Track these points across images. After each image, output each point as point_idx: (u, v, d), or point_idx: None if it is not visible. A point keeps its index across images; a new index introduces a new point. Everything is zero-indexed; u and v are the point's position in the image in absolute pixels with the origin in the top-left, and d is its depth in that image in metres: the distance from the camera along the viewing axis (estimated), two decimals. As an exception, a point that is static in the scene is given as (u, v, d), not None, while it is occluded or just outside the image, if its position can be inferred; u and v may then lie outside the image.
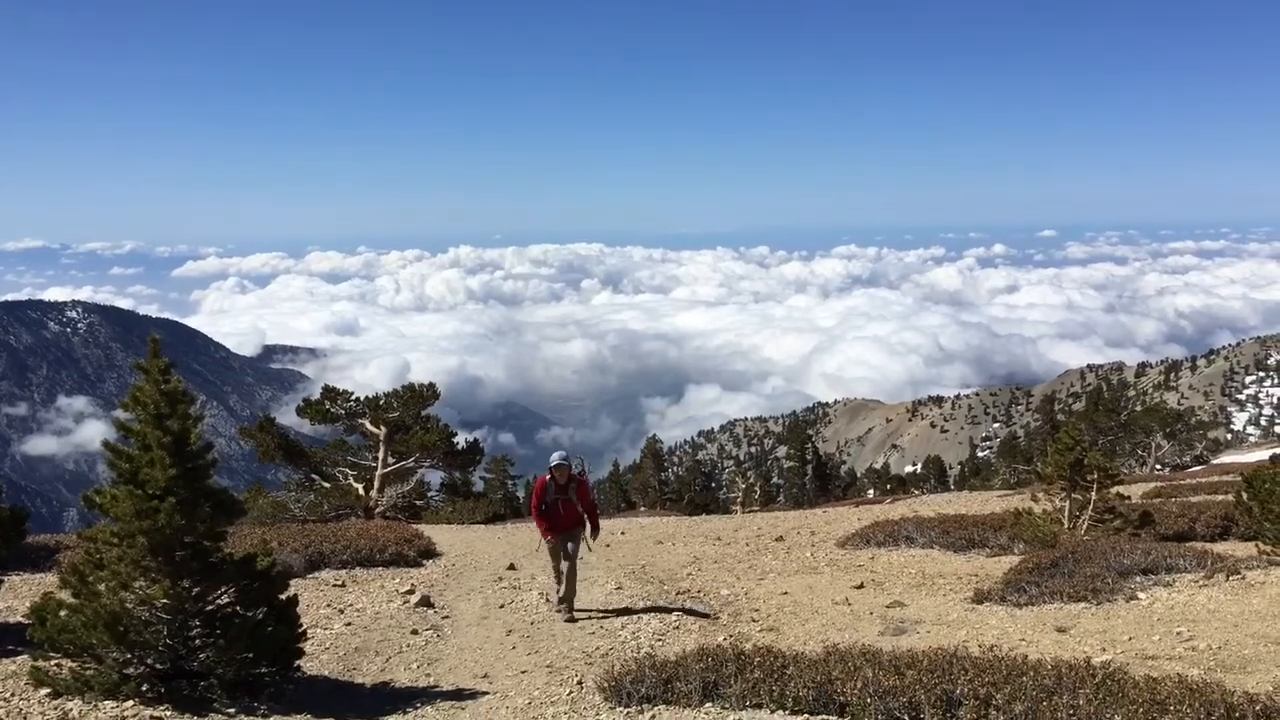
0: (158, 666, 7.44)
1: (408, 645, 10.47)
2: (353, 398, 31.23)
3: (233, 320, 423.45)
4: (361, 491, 29.45)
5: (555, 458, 11.40)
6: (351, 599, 12.85)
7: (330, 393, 31.43)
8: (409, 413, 30.92)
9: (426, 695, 8.39)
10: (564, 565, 11.50)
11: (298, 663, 8.34)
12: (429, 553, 16.94)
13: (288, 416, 39.05)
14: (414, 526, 21.15)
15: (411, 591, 13.25)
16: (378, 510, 28.37)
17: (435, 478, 35.80)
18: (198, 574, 7.57)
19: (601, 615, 11.69)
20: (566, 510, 11.45)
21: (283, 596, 8.13)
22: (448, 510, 32.00)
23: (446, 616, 12.04)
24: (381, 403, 30.94)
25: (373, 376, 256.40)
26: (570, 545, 11.52)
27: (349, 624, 11.32)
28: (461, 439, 32.61)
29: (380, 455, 30.40)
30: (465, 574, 15.29)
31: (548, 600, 12.18)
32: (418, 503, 31.36)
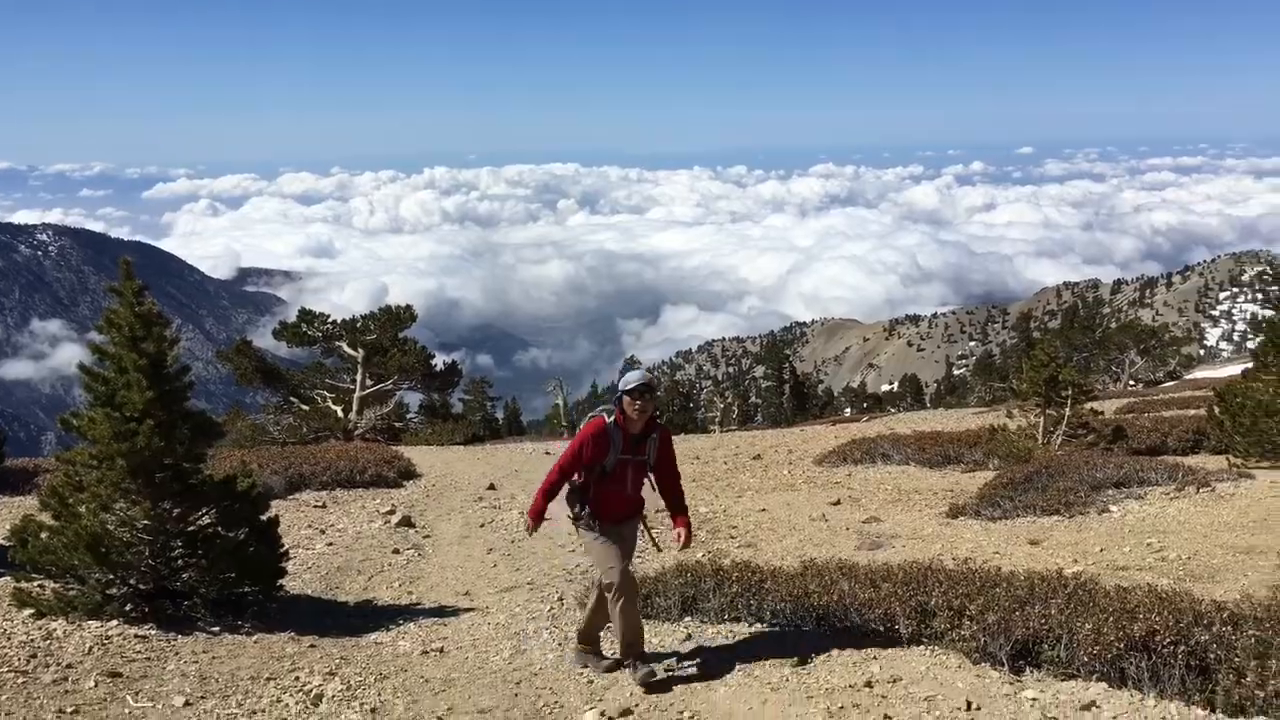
0: (141, 587, 7.47)
1: (389, 564, 10.57)
2: (329, 320, 31.11)
3: (205, 243, 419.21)
4: (340, 414, 29.46)
5: (633, 378, 6.16)
6: (333, 519, 12.93)
7: (306, 315, 31.28)
8: (386, 335, 30.83)
9: (409, 612, 8.48)
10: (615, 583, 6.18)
11: (280, 582, 8.41)
12: (409, 474, 17.02)
13: (264, 339, 38.89)
14: (393, 448, 21.23)
15: (392, 512, 13.33)
16: (357, 432, 28.43)
17: (414, 399, 35.87)
18: (178, 495, 7.58)
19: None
20: (635, 482, 6.33)
21: (264, 517, 8.17)
22: (427, 432, 32.10)
23: (427, 536, 12.14)
24: (359, 325, 30.84)
25: (349, 299, 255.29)
26: (626, 544, 6.40)
27: (331, 544, 11.40)
28: (439, 361, 32.61)
29: (358, 377, 30.37)
30: (445, 494, 15.39)
31: (574, 647, 6.84)
32: (396, 424, 31.43)
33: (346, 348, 30.82)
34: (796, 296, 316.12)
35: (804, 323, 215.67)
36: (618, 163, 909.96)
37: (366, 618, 8.33)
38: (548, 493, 6.33)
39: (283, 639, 7.39)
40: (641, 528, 6.58)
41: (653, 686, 6.09)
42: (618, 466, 6.20)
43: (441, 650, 7.26)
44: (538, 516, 6.38)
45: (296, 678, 6.53)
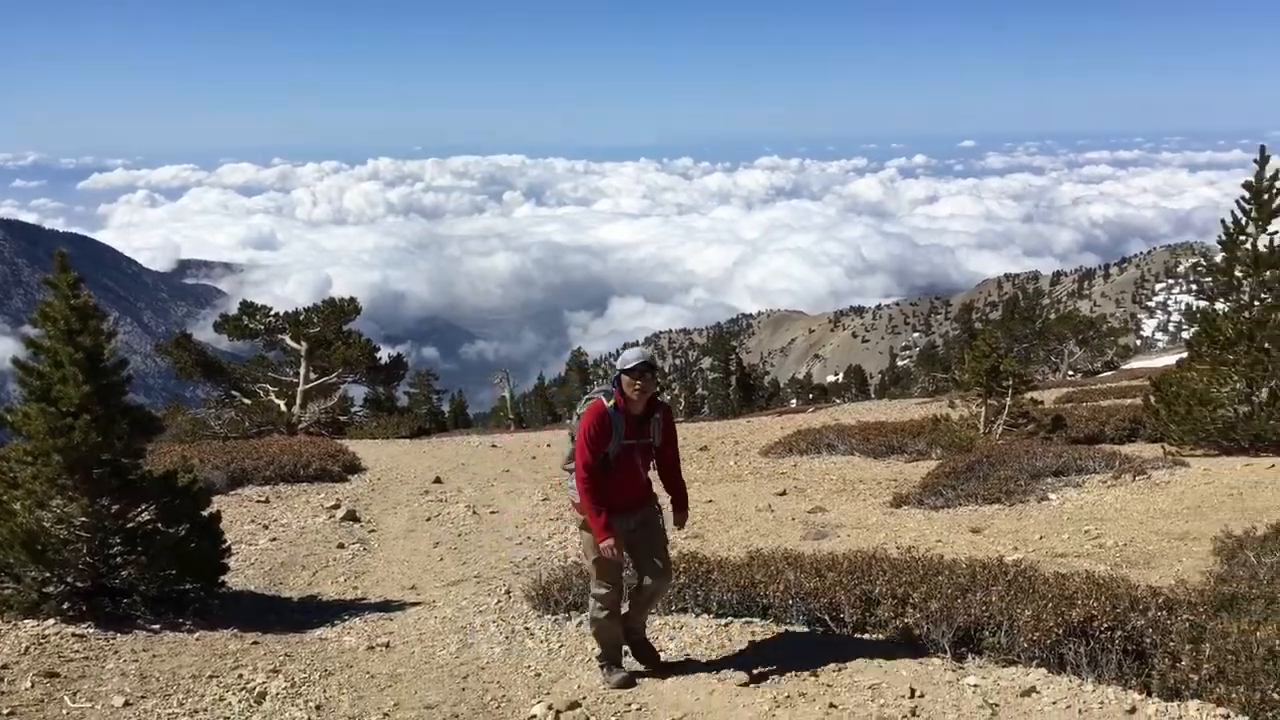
0: (78, 585, 7.35)
1: (334, 559, 10.47)
2: (272, 313, 30.76)
3: (144, 235, 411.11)
4: (283, 407, 29.14)
5: (632, 355, 5.71)
6: (276, 514, 12.79)
7: (248, 308, 30.91)
8: (330, 328, 30.54)
9: (354, 607, 8.42)
10: (646, 582, 5.97)
11: (223, 578, 8.30)
12: (354, 467, 16.88)
13: (205, 333, 38.35)
14: (338, 442, 21.03)
15: (337, 506, 13.21)
16: (300, 426, 28.12)
17: (359, 393, 35.60)
18: (116, 491, 7.46)
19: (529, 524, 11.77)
20: (642, 466, 5.97)
21: (205, 513, 8.07)
22: (372, 425, 31.84)
23: (373, 530, 12.04)
24: (302, 318, 30.53)
25: (292, 291, 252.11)
26: (644, 536, 5.96)
27: (274, 539, 11.28)
28: (384, 354, 32.41)
29: (302, 371, 30.06)
30: (391, 488, 15.27)
31: (602, 662, 6.18)
32: (341, 418, 31.15)
33: (289, 341, 30.50)
34: (743, 288, 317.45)
35: (750, 314, 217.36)
36: (564, 154, 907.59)
37: (311, 613, 8.26)
38: (595, 498, 5.68)
39: (225, 636, 7.30)
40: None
41: (622, 685, 5.98)
42: (622, 452, 5.78)
43: (387, 645, 7.21)
44: (607, 529, 5.67)
45: (239, 675, 6.46)
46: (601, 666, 6.15)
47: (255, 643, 7.18)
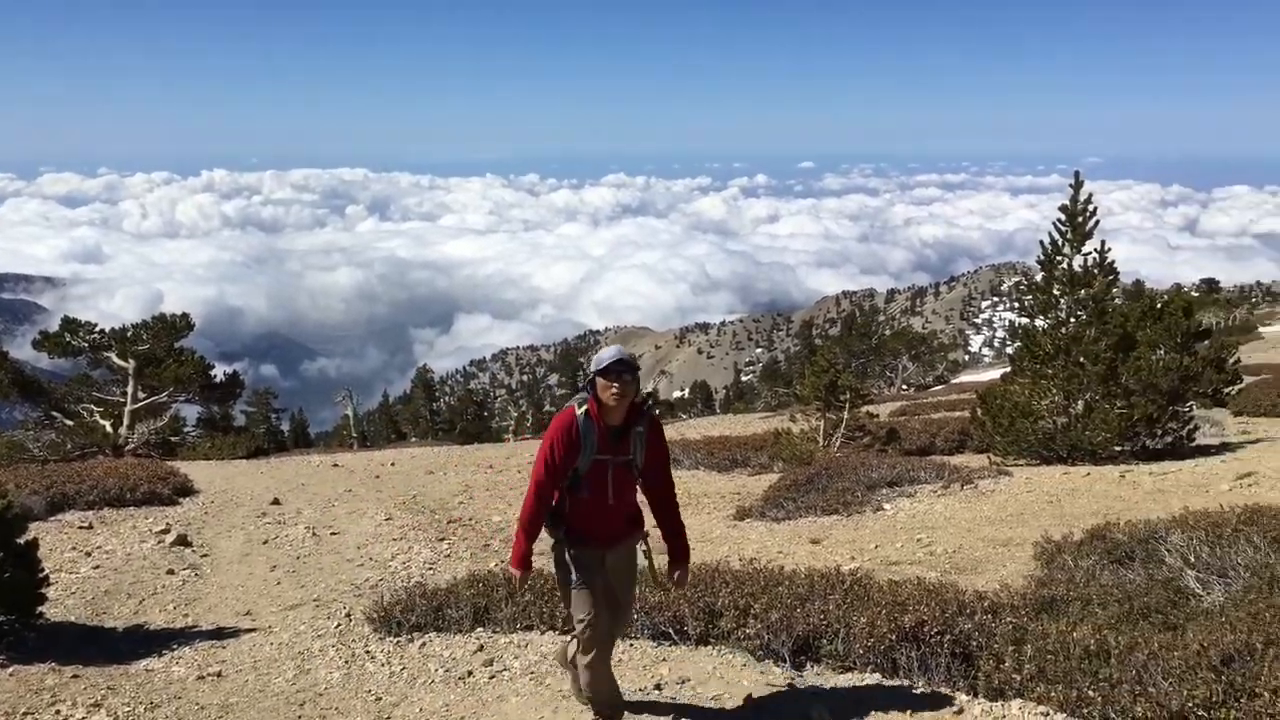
0: (-124, 621, 6.86)
1: (163, 586, 10.02)
2: (97, 329, 29.31)
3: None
4: (109, 429, 27.78)
5: (607, 354, 4.87)
6: (100, 541, 12.15)
7: (71, 324, 29.38)
8: (161, 344, 29.28)
9: (184, 636, 8.08)
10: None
11: (40, 609, 7.85)
12: (186, 490, 16.20)
13: (23, 350, 36.31)
14: (169, 464, 20.17)
15: (167, 531, 12.65)
16: (128, 448, 26.87)
17: (192, 412, 34.28)
18: (-80, 520, 7.00)
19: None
20: (620, 489, 4.98)
21: (21, 540, 7.61)
22: (206, 446, 30.69)
23: (206, 555, 11.58)
24: (129, 334, 29.17)
25: (120, 307, 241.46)
26: (620, 575, 5.19)
27: (97, 567, 10.71)
28: (220, 372, 31.27)
29: (129, 390, 28.73)
30: (226, 511, 14.72)
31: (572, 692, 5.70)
32: (173, 439, 29.90)
33: (116, 358, 29.11)
34: (590, 305, 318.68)
35: (597, 331, 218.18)
36: (409, 169, 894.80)
37: (137, 643, 7.88)
38: (531, 527, 4.90)
39: (42, 670, 6.90)
40: (641, 549, 5.21)
41: None
42: (594, 469, 4.84)
43: (219, 674, 6.95)
44: (524, 563, 4.96)
45: (57, 711, 6.12)
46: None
47: (75, 676, 6.81)
